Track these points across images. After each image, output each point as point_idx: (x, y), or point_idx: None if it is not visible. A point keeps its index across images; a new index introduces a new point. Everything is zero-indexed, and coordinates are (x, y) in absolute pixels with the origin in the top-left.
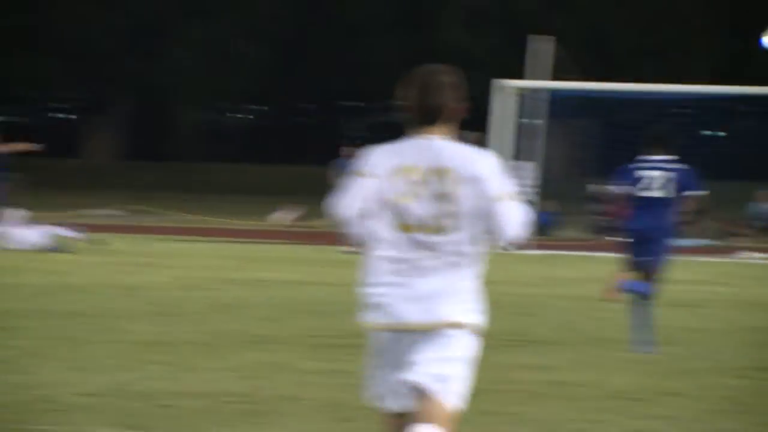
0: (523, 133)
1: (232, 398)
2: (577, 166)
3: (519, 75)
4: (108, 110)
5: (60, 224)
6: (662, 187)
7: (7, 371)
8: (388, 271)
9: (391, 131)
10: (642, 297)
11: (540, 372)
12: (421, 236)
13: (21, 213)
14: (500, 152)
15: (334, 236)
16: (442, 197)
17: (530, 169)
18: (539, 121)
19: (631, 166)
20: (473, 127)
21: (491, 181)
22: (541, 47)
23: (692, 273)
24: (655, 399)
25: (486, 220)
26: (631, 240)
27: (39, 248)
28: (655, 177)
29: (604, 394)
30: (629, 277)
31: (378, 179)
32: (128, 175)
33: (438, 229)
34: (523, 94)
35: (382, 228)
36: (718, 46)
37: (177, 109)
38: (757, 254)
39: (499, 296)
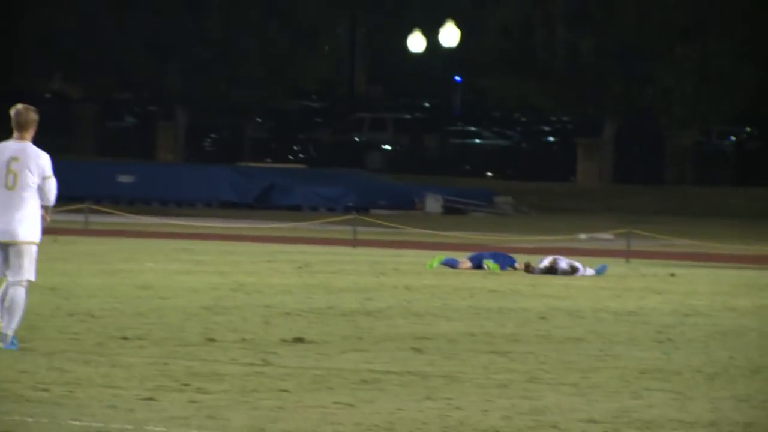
0: None
1: (735, 427)
2: None
3: None
4: (597, 133)
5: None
6: None
7: (508, 396)
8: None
9: None
10: None
11: None
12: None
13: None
14: None
15: None
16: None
17: None
18: None
19: None
20: None
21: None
22: None
23: None
24: None
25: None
26: None
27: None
28: None
29: None
30: None
31: None
32: (617, 198)
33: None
34: None
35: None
36: None
37: (664, 131)
38: None
39: None
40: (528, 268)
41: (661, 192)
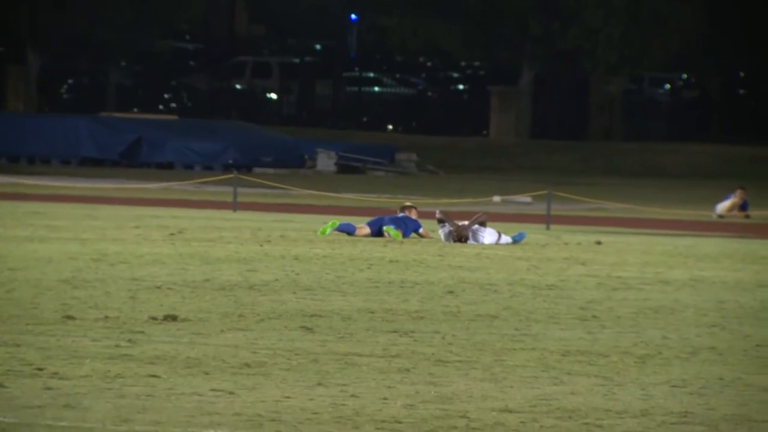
0: None
1: (670, 417)
2: None
3: None
4: (513, 81)
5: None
6: None
7: (411, 381)
8: None
9: None
10: None
11: None
12: None
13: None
14: None
15: None
16: None
17: None
18: None
19: None
20: None
21: None
22: None
23: None
24: None
25: None
26: None
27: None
28: None
29: None
30: None
31: None
32: (536, 155)
33: None
34: None
35: None
36: None
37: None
38: None
39: None
40: (460, 235)
41: (585, 148)
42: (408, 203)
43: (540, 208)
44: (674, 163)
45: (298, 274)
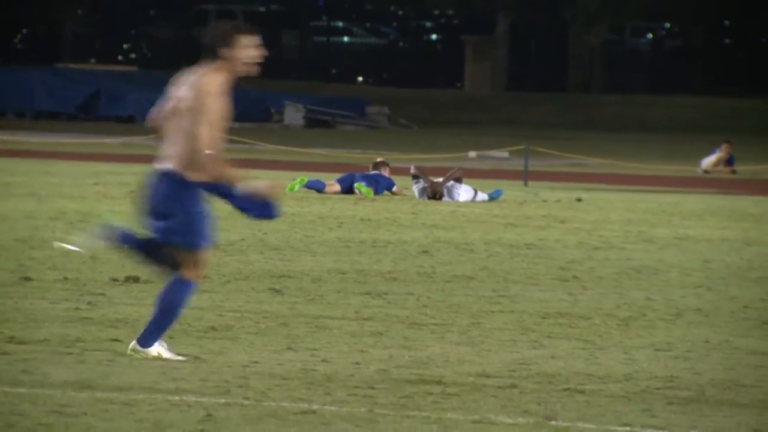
0: None
1: (655, 382)
2: None
3: None
4: (488, 30)
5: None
6: None
7: (384, 345)
8: None
9: None
10: None
11: None
12: None
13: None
14: None
15: None
16: None
17: None
18: None
19: None
20: None
21: None
22: None
23: None
24: None
25: None
26: None
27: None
28: None
29: None
30: None
31: None
32: (512, 108)
33: None
34: None
35: None
36: None
37: (567, 27)
38: None
39: None
40: (435, 191)
41: (564, 101)
42: (380, 159)
43: (517, 164)
44: (657, 116)
45: (265, 233)
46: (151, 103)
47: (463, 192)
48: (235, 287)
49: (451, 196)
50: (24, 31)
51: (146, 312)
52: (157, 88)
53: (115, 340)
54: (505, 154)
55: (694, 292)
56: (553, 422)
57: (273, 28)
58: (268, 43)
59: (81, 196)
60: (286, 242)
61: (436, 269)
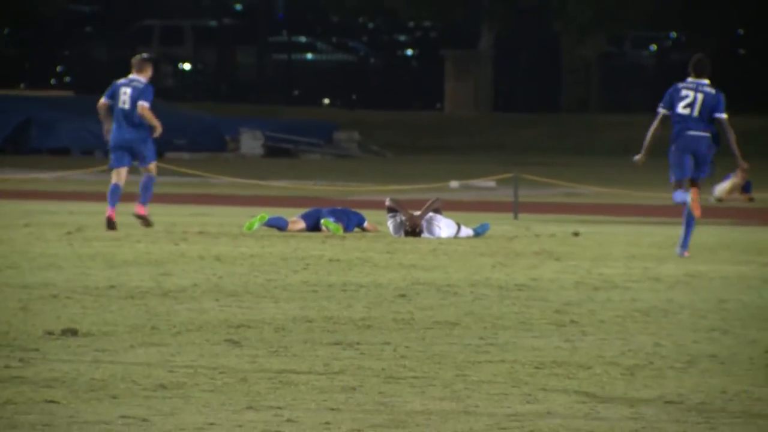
0: None
1: None
2: None
3: None
4: (470, 44)
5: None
6: None
7: (357, 402)
8: None
9: None
10: None
11: None
12: None
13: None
14: None
15: None
16: None
17: None
18: None
19: None
20: None
21: None
22: None
23: None
24: None
25: None
26: None
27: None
28: None
29: None
30: None
31: None
32: (499, 131)
33: None
34: None
35: None
36: None
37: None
38: None
39: None
40: (414, 224)
41: (557, 122)
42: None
43: (506, 194)
44: (662, 138)
45: (220, 277)
46: (89, 132)
47: (445, 227)
48: (188, 339)
49: (431, 231)
50: None
51: (86, 369)
52: (96, 115)
53: (51, 401)
54: (492, 184)
55: (708, 336)
56: None
57: (226, 45)
58: (221, 62)
59: (9, 239)
60: (244, 287)
61: (415, 315)
